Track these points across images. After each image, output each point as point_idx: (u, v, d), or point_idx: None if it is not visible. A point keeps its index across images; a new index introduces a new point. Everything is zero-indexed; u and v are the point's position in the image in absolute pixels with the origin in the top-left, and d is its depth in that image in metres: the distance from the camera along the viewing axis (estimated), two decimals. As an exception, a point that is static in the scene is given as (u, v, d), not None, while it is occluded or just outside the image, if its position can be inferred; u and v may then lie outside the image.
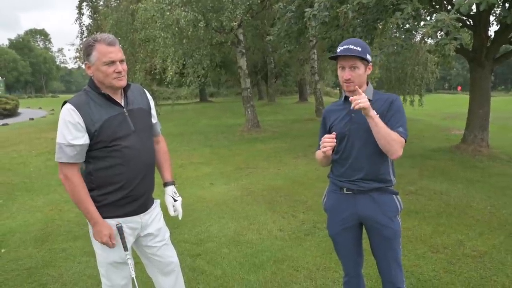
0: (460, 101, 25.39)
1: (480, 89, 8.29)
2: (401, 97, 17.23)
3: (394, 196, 2.15)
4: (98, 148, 1.98)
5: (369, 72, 2.09)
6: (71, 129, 1.92)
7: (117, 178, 2.02)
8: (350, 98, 1.92)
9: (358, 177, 2.12)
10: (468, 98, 8.90)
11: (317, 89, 17.04)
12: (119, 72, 1.96)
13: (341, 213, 2.21)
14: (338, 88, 39.89)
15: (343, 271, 2.39)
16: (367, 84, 2.16)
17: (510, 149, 8.95)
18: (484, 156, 7.83)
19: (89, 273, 3.50)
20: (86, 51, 1.95)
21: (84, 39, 22.24)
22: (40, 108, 33.89)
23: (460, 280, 3.14)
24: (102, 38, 1.94)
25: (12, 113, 25.71)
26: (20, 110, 28.33)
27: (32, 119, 21.88)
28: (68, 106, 1.95)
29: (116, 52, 1.95)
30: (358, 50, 2.02)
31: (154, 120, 2.29)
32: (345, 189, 2.18)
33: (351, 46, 2.03)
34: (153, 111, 2.28)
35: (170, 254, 2.33)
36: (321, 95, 17.24)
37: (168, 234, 2.35)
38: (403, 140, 2.01)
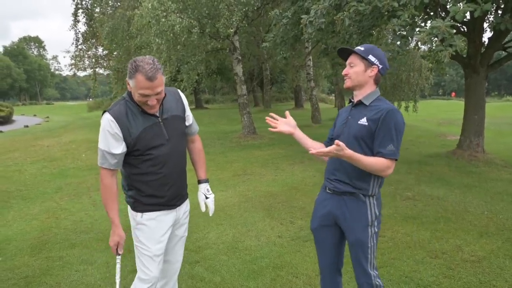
0: (454, 107, 25.58)
1: (475, 95, 8.36)
2: (396, 103, 17.24)
3: (367, 205, 2.10)
4: (134, 155, 2.10)
5: (371, 74, 2.09)
6: (109, 139, 2.03)
7: (151, 183, 2.15)
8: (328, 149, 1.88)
9: (336, 178, 2.16)
10: (462, 104, 8.96)
11: (312, 96, 17.11)
12: (151, 105, 2.02)
13: (321, 209, 2.28)
14: (333, 95, 40.12)
15: (319, 268, 2.43)
16: (375, 88, 2.14)
17: (505, 154, 9.01)
18: (480, 161, 7.88)
19: (86, 281, 3.46)
20: (129, 72, 1.96)
21: (79, 46, 22.27)
22: (35, 115, 33.73)
23: (459, 285, 3.15)
24: (144, 69, 1.88)
25: (6, 120, 25.52)
26: (14, 117, 28.15)
27: (27, 126, 21.74)
28: (107, 116, 2.03)
29: (153, 88, 1.93)
30: (359, 49, 2.10)
31: (190, 121, 2.37)
32: (327, 188, 2.24)
33: (357, 47, 2.13)
34: (188, 112, 2.34)
35: (180, 253, 2.50)
36: (316, 101, 17.29)
37: (186, 233, 2.56)
38: (390, 162, 1.98)
